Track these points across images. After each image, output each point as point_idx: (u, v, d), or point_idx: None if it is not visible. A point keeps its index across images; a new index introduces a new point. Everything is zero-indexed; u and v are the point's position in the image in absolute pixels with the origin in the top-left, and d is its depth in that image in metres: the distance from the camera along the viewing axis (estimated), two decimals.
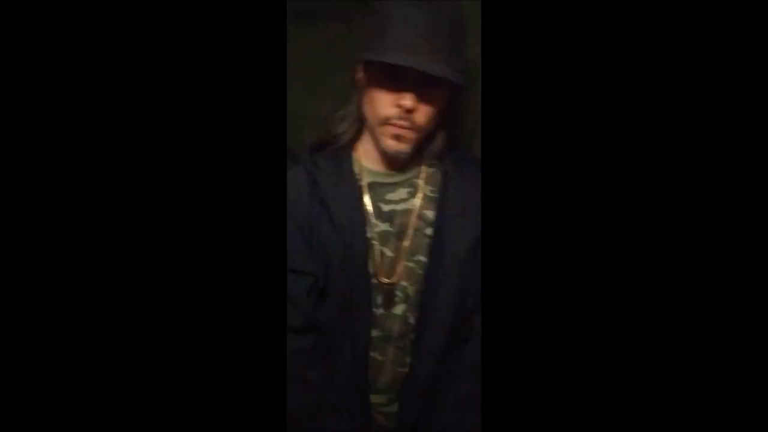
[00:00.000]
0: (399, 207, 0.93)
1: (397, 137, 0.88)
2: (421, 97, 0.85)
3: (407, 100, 0.84)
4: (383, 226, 0.92)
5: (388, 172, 0.94)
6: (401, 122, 0.86)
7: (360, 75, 0.90)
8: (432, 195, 0.94)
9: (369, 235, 0.91)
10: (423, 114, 0.87)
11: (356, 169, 0.94)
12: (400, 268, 0.91)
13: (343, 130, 0.94)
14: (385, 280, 0.91)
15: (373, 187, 0.93)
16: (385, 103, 0.86)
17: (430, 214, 0.93)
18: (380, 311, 0.91)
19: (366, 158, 0.95)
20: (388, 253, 0.91)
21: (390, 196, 0.93)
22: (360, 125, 0.94)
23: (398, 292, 0.91)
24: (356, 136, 0.95)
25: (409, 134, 0.87)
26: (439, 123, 0.92)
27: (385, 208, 0.93)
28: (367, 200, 0.93)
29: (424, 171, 0.95)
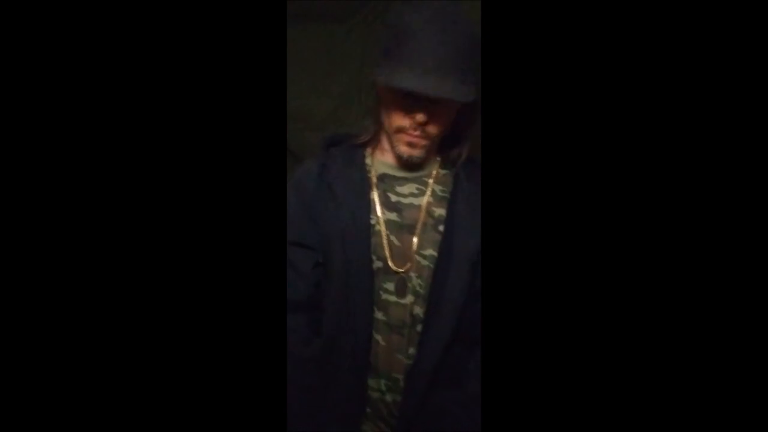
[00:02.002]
0: (407, 201, 0.97)
1: (411, 144, 0.93)
2: (433, 112, 0.90)
3: (419, 116, 0.89)
4: (390, 215, 0.96)
5: (400, 169, 0.99)
6: (415, 132, 0.92)
7: (378, 87, 0.95)
8: (442, 194, 0.98)
9: (373, 221, 0.95)
10: (435, 126, 0.92)
11: (368, 161, 0.99)
12: (410, 259, 0.95)
13: (365, 133, 1.00)
14: (398, 269, 0.94)
15: (382, 179, 0.98)
16: (399, 116, 0.91)
17: (439, 211, 0.97)
18: (390, 297, 0.94)
19: (381, 154, 0.99)
20: (396, 242, 0.95)
21: (399, 189, 0.98)
22: (378, 128, 0.99)
23: (409, 283, 0.95)
24: (374, 137, 1.00)
25: (422, 142, 0.93)
26: (457, 131, 0.97)
27: (393, 198, 0.97)
28: (374, 189, 0.97)
29: (436, 171, 1.00)
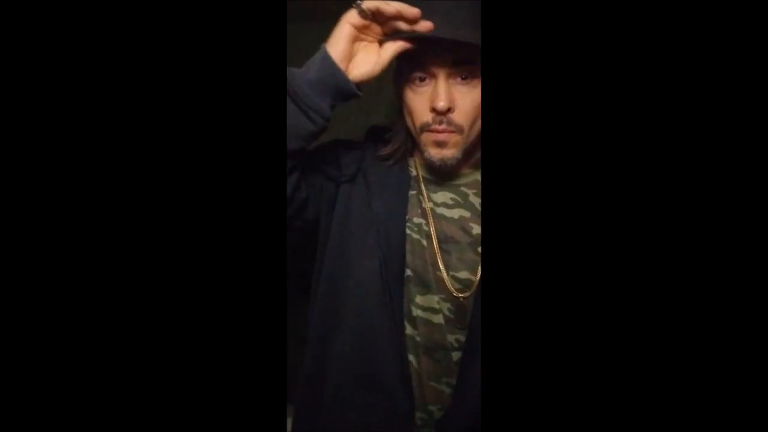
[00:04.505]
0: (439, 210, 0.87)
1: (439, 144, 0.82)
2: (456, 94, 0.80)
3: (441, 100, 0.79)
4: (420, 220, 0.87)
5: (435, 174, 0.89)
6: (440, 127, 0.81)
7: (397, 85, 0.86)
8: (480, 208, 0.86)
9: (408, 229, 0.86)
10: (461, 113, 0.81)
11: (411, 164, 0.90)
12: (440, 280, 0.85)
13: (395, 148, 0.89)
14: (459, 295, 0.84)
15: (419, 180, 0.89)
16: (420, 109, 0.82)
17: (478, 229, 0.86)
18: (419, 313, 0.85)
19: (420, 161, 0.89)
20: (423, 254, 0.86)
21: (434, 196, 0.88)
22: (411, 138, 0.89)
23: (442, 306, 0.85)
24: (412, 148, 0.91)
25: (453, 138, 0.82)
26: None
27: (426, 204, 0.87)
28: (411, 189, 0.88)
29: (478, 180, 0.88)
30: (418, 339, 0.85)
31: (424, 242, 0.86)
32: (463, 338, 0.84)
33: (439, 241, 0.86)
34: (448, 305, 0.85)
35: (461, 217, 0.87)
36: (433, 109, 0.80)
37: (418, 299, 0.85)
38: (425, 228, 0.86)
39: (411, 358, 0.84)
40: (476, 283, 0.84)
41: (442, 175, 0.88)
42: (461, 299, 0.84)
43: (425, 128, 0.82)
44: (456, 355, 0.84)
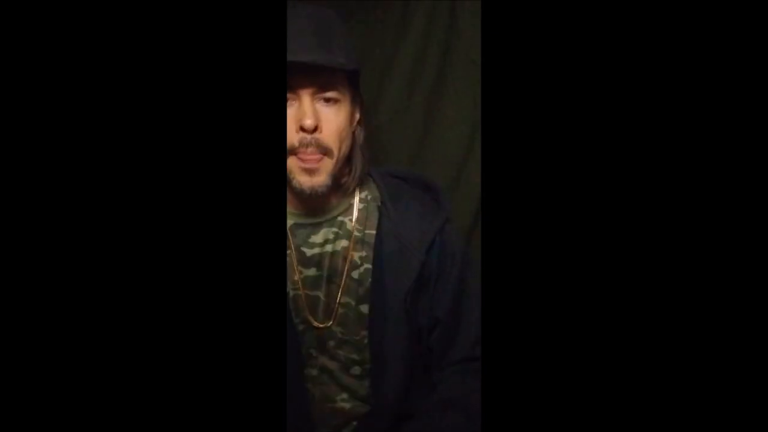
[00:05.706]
0: (324, 250, 0.89)
1: (309, 171, 0.82)
2: (322, 114, 0.82)
3: (307, 118, 0.80)
4: (308, 272, 0.89)
5: (309, 212, 0.89)
6: (308, 150, 0.81)
7: None
8: (359, 235, 0.90)
9: (292, 283, 0.89)
10: (328, 134, 0.82)
11: None
12: (334, 312, 0.89)
13: None
14: (318, 324, 0.89)
15: (294, 230, 0.89)
16: (288, 131, 0.82)
17: (358, 256, 0.89)
18: (318, 355, 0.90)
19: (289, 202, 0.89)
20: (322, 297, 0.89)
21: (313, 239, 0.89)
22: None
23: (331, 339, 0.90)
24: None
25: (322, 164, 0.83)
26: (352, 146, 0.88)
27: (309, 252, 0.89)
28: (290, 246, 0.89)
29: (354, 208, 0.91)
30: (315, 373, 0.91)
31: (312, 291, 0.89)
32: (357, 356, 0.90)
33: (329, 277, 0.89)
34: (338, 331, 0.90)
35: (343, 248, 0.90)
36: (301, 128, 0.80)
37: (314, 348, 0.90)
38: (314, 273, 0.89)
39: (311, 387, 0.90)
40: (353, 305, 0.89)
41: (314, 212, 0.89)
42: (332, 327, 0.89)
43: (292, 152, 0.82)
44: (355, 370, 0.90)
